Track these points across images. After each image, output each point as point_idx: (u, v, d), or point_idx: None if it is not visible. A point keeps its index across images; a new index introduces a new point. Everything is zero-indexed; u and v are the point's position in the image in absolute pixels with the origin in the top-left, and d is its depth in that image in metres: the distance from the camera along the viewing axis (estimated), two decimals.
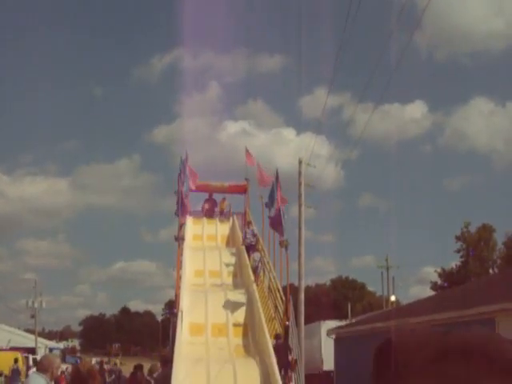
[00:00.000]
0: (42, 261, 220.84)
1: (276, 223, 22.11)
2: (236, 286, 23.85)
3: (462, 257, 74.38)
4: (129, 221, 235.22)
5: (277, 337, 19.91)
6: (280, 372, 17.69)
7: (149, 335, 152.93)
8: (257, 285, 23.61)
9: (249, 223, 29.23)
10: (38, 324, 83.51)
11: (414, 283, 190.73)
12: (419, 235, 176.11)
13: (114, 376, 30.71)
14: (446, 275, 74.86)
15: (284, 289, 22.10)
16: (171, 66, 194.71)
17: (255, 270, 24.84)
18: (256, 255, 25.81)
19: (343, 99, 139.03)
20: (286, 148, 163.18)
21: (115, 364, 37.01)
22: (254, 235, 26.82)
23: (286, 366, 19.02)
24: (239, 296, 22.13)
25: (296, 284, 34.01)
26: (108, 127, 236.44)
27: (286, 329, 19.75)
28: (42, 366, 8.78)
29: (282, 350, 19.05)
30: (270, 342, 18.24)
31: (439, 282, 75.80)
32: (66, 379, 30.68)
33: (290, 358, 19.38)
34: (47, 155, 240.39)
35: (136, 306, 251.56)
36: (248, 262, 24.63)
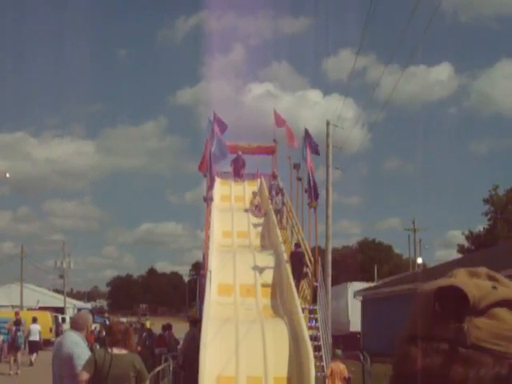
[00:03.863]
0: (68, 222, 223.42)
1: (312, 189, 21.83)
2: (264, 247, 23.84)
3: (489, 219, 73.81)
4: (155, 183, 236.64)
5: (296, 246, 21.62)
6: (294, 278, 19.73)
7: (175, 296, 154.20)
8: (280, 228, 23.88)
9: (274, 176, 29.24)
10: (66, 284, 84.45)
11: (441, 246, 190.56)
12: (446, 198, 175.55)
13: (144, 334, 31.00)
14: (473, 238, 74.39)
15: (312, 250, 22.04)
16: (196, 28, 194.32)
17: (278, 213, 25.27)
18: (278, 199, 26.02)
19: (369, 61, 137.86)
20: (312, 110, 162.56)
21: (143, 325, 37.22)
22: (280, 189, 27.09)
23: (299, 275, 20.55)
24: (267, 257, 22.12)
25: (323, 246, 33.92)
26: (134, 90, 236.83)
27: (315, 290, 19.73)
28: (77, 324, 8.80)
29: (297, 259, 20.77)
30: (298, 303, 18.23)
31: (466, 244, 75.42)
32: (95, 338, 31.00)
33: (304, 269, 21.01)
34: (74, 118, 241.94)
35: (163, 267, 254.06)
36: (276, 223, 24.60)
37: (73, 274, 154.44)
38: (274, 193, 26.96)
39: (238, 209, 27.96)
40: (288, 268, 20.34)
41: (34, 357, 31.80)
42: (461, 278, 1.24)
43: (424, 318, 1.21)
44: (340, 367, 16.91)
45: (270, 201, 26.94)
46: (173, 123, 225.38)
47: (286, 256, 21.25)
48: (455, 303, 1.17)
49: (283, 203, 26.70)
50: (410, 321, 1.25)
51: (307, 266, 21.41)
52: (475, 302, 1.16)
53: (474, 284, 1.21)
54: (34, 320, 35.02)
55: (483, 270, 1.29)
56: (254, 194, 26.28)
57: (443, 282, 1.22)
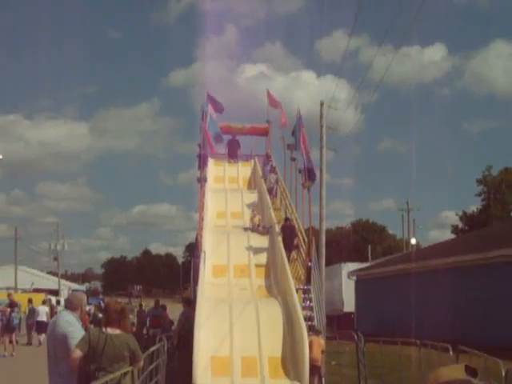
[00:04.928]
0: (62, 204, 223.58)
1: (309, 170, 21.78)
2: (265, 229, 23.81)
3: (483, 200, 74.03)
4: (148, 164, 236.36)
5: (286, 219, 22.18)
6: (285, 251, 20.14)
7: (170, 277, 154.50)
8: (274, 209, 24.16)
9: (268, 157, 29.25)
10: (60, 266, 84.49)
11: (435, 227, 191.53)
12: (440, 179, 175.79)
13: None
14: (466, 218, 74.67)
15: (306, 231, 22.08)
16: (189, 9, 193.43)
17: (271, 191, 25.41)
18: (272, 177, 26.18)
19: (362, 42, 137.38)
20: (306, 91, 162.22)
21: (141, 306, 37.36)
22: (273, 168, 27.19)
23: (289, 247, 21.03)
24: (261, 237, 22.13)
25: (317, 227, 33.98)
26: (127, 71, 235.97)
27: (309, 270, 19.76)
28: (71, 305, 8.81)
29: (288, 232, 21.35)
30: (292, 283, 18.26)
31: (460, 225, 75.67)
32: (90, 320, 31.09)
33: (295, 241, 21.64)
34: (67, 100, 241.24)
35: (157, 248, 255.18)
36: (270, 204, 24.61)
37: (67, 256, 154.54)
38: (267, 171, 27.04)
39: (232, 190, 27.95)
40: (282, 248, 20.35)
41: (42, 337, 31.87)
42: None
43: None
44: (319, 340, 17.18)
45: (263, 180, 27.00)
46: (166, 104, 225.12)
47: (280, 237, 21.25)
48: None
49: (276, 181, 26.80)
50: None
51: (298, 237, 21.93)
52: None
53: None
54: (43, 302, 36.98)
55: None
56: (254, 213, 23.52)
57: None
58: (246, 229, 22.93)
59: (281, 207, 26.13)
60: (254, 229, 22.65)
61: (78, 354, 8.11)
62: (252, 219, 23.14)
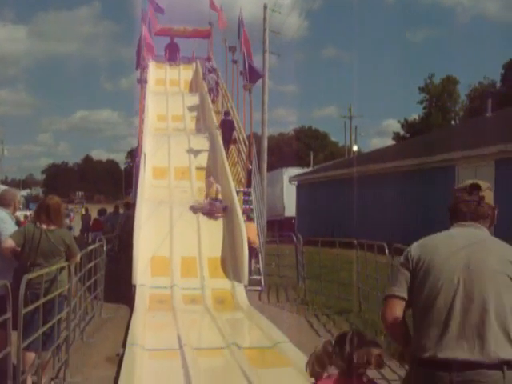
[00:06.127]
0: (1, 110, 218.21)
1: (250, 71, 21.53)
2: (199, 130, 23.67)
3: (424, 108, 74.66)
4: (89, 69, 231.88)
5: (226, 113, 22.48)
6: (224, 145, 20.84)
7: (112, 184, 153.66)
8: (216, 112, 24.16)
9: (209, 59, 29.00)
10: (0, 173, 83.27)
11: (376, 135, 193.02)
12: (382, 87, 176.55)
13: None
14: (408, 126, 75.38)
15: (248, 136, 21.98)
16: None
17: (211, 92, 25.29)
18: (211, 77, 25.97)
19: None
20: None
21: (87, 210, 37.09)
22: (214, 69, 26.96)
23: (228, 141, 21.70)
24: (202, 140, 22.00)
25: (259, 133, 33.90)
26: None
27: (249, 172, 19.78)
28: (4, 201, 8.51)
29: (227, 126, 21.86)
30: (232, 185, 18.31)
31: (401, 132, 76.40)
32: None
33: (233, 134, 22.11)
34: (4, 2, 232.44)
35: (99, 155, 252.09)
36: (211, 106, 24.41)
37: (7, 162, 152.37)
38: (207, 71, 26.73)
39: (173, 93, 27.59)
40: (223, 151, 20.31)
41: None
42: None
43: None
44: (253, 225, 17.57)
45: (203, 81, 26.73)
46: (107, 8, 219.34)
47: (220, 139, 21.17)
48: None
49: (216, 82, 26.55)
50: None
51: (236, 131, 22.26)
52: None
53: None
54: None
55: None
56: (210, 183, 18.53)
57: None
58: (194, 209, 17.74)
59: (222, 111, 25.93)
60: (208, 210, 17.64)
61: (9, 243, 7.95)
62: (208, 191, 18.38)
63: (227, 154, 20.68)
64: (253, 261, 16.81)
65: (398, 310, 3.87)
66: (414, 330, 3.84)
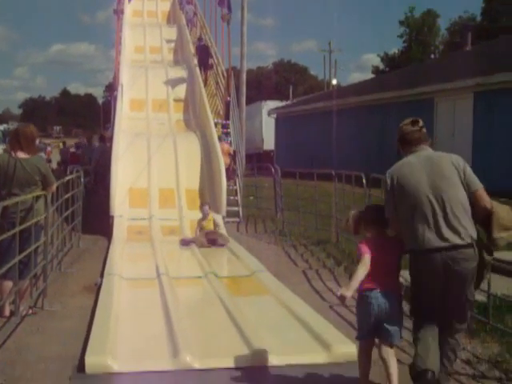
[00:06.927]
0: None
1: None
2: (177, 62, 23.41)
3: (404, 42, 74.14)
4: (65, 1, 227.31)
5: (199, 39, 22.79)
6: (200, 71, 21.18)
7: (90, 118, 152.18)
8: (193, 43, 23.67)
9: None
10: None
11: (356, 69, 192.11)
12: (362, 20, 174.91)
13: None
14: (388, 60, 74.92)
15: (226, 70, 21.75)
16: None
17: (189, 24, 25.06)
18: (189, 8, 25.68)
19: None
20: None
21: (64, 143, 36.80)
22: (191, 0, 26.63)
23: (205, 66, 21.95)
24: (180, 72, 21.80)
25: (238, 67, 33.57)
26: None
27: (227, 104, 19.66)
28: None
29: (202, 52, 22.04)
30: (210, 117, 18.20)
31: (381, 66, 75.99)
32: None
33: (210, 60, 22.44)
34: None
35: (76, 88, 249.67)
36: (189, 38, 24.09)
37: None
38: (184, 2, 26.31)
39: (151, 24, 27.21)
40: (201, 83, 20.14)
41: None
42: None
43: None
44: (225, 146, 17.74)
45: (181, 12, 26.34)
46: None
47: (198, 71, 20.96)
48: None
49: (194, 13, 26.18)
50: None
51: (212, 57, 22.36)
52: None
53: None
54: None
55: None
56: (206, 212, 13.92)
57: None
58: (185, 242, 13.39)
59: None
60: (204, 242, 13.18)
61: None
62: (202, 223, 13.83)
63: (204, 80, 20.60)
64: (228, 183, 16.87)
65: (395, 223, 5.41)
66: (405, 230, 5.28)
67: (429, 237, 5.09)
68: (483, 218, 5.17)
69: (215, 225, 13.82)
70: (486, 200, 5.19)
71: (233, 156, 18.45)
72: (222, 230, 13.80)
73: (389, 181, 5.38)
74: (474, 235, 5.12)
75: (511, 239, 5.27)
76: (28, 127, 8.34)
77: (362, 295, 5.33)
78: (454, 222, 5.09)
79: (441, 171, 5.21)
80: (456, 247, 5.06)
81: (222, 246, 13.08)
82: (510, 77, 20.74)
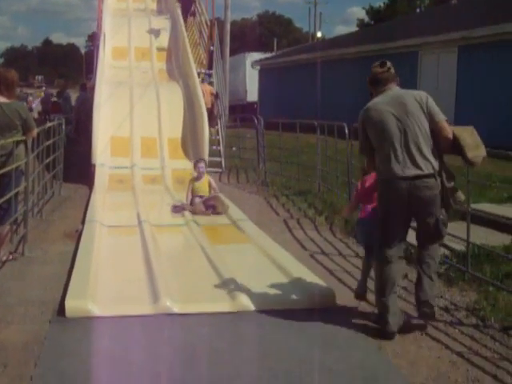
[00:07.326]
0: None
1: None
2: (160, 11, 23.08)
3: None
4: None
5: None
6: (183, 17, 20.79)
7: (72, 68, 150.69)
8: None
9: None
10: None
11: (341, 22, 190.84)
12: None
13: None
14: (373, 13, 74.38)
15: (211, 20, 21.48)
16: None
17: None
18: None
19: None
20: None
21: (46, 92, 36.37)
22: None
23: (187, 12, 21.87)
24: (163, 21, 21.51)
25: (222, 17, 33.26)
26: None
27: (210, 54, 19.50)
28: None
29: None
30: (193, 66, 18.03)
31: (366, 19, 75.47)
32: None
33: (191, 8, 22.23)
34: None
35: (59, 38, 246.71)
36: None
37: None
38: None
39: None
40: (184, 32, 19.89)
41: None
42: None
43: None
44: (207, 87, 18.38)
45: None
46: None
47: (181, 20, 20.68)
48: None
49: None
50: None
51: (195, 3, 22.20)
52: None
53: None
54: None
55: None
56: (200, 171, 12.04)
57: None
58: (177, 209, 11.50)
59: None
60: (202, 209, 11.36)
61: None
62: (195, 185, 11.90)
63: (186, 25, 20.34)
64: (211, 130, 16.85)
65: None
66: (378, 163, 5.82)
67: (396, 168, 5.62)
68: (451, 146, 5.67)
69: (211, 188, 11.86)
70: (448, 131, 5.66)
71: (215, 96, 18.69)
72: (220, 195, 11.94)
73: (360, 121, 5.91)
74: (436, 166, 5.65)
75: (484, 154, 5.74)
76: (9, 72, 8.23)
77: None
78: (417, 155, 5.61)
79: (405, 107, 5.68)
80: (419, 177, 5.58)
81: (220, 214, 11.25)
82: (494, 30, 20.68)
